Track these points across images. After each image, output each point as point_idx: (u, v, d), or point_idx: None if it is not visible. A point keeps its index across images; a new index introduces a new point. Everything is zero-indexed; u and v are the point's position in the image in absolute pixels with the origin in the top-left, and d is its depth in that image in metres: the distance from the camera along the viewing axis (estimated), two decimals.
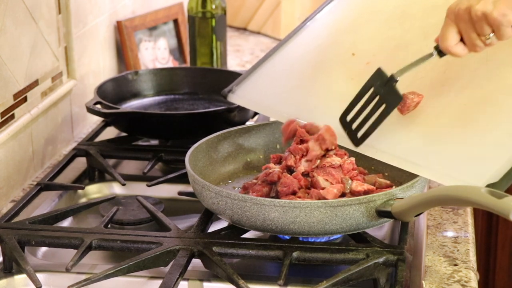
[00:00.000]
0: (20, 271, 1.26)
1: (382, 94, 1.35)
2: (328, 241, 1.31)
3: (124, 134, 1.72)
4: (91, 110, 1.65)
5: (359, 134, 1.38)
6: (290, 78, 1.57)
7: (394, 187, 1.35)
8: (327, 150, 1.36)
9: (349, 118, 1.39)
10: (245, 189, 1.38)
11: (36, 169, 1.66)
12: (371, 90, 1.36)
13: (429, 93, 1.40)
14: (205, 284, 1.26)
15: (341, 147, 1.38)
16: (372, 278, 1.21)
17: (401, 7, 1.56)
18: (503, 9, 1.23)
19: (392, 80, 1.35)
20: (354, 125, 1.38)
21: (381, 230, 1.42)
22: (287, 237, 1.29)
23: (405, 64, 1.36)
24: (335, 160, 1.35)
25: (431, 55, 1.33)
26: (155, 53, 2.20)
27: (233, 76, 1.84)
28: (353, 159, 1.37)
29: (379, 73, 1.36)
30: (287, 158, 1.37)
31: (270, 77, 1.59)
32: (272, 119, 1.57)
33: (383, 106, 1.35)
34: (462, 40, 1.29)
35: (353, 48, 1.54)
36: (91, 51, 1.93)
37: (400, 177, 1.38)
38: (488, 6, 1.23)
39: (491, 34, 1.26)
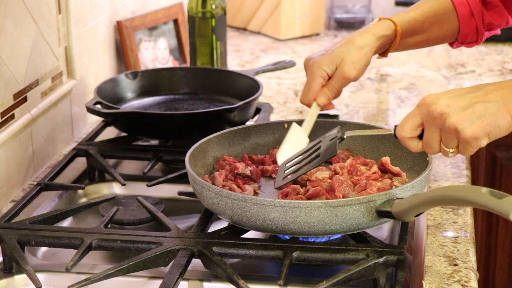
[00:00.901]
0: (20, 271, 1.26)
1: (323, 145, 1.37)
2: (328, 241, 1.31)
3: (124, 134, 1.72)
4: (91, 110, 1.65)
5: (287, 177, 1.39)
6: None
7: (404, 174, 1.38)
8: None
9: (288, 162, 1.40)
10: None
11: (36, 169, 1.66)
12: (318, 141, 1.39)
13: None
14: (205, 284, 1.26)
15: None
16: (372, 278, 1.21)
17: None
18: (478, 132, 1.15)
19: (339, 137, 1.35)
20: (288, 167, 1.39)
21: (381, 230, 1.42)
22: (287, 237, 1.29)
23: (361, 130, 1.39)
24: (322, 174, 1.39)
25: (389, 133, 1.30)
26: (155, 53, 2.20)
27: (233, 76, 1.84)
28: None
29: (333, 137, 1.37)
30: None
31: None
32: (272, 119, 1.58)
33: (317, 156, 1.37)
34: (421, 135, 1.22)
35: None
36: (91, 51, 1.93)
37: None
38: (465, 123, 1.15)
39: (454, 149, 1.19)
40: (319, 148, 1.38)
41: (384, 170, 1.42)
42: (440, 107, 1.17)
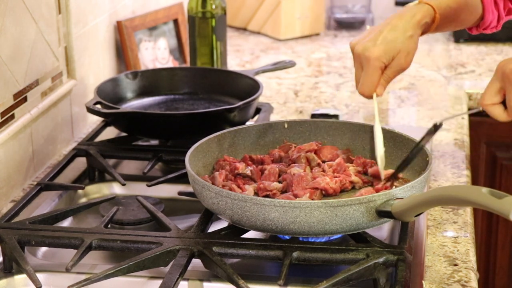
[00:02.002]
0: (20, 271, 1.26)
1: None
2: (328, 241, 1.31)
3: (124, 134, 1.72)
4: (91, 110, 1.65)
5: None
6: None
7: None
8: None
9: None
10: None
11: (36, 169, 1.66)
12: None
13: None
14: (205, 284, 1.26)
15: None
16: (372, 278, 1.21)
17: None
18: None
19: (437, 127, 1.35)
20: None
21: (381, 230, 1.42)
22: (287, 237, 1.29)
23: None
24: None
25: (479, 110, 1.29)
26: (155, 53, 2.20)
27: (233, 76, 1.84)
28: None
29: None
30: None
31: None
32: (272, 119, 1.58)
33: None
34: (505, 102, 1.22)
35: None
36: (91, 51, 1.93)
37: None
38: None
39: None
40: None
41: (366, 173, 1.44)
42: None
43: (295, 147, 1.50)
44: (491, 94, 1.22)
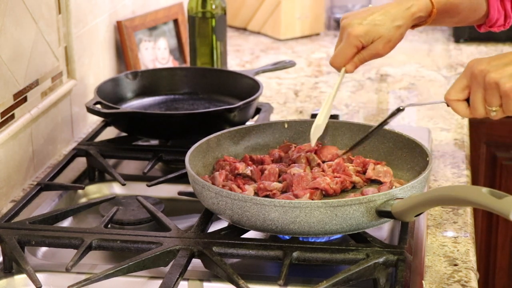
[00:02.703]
0: (20, 271, 1.26)
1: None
2: (328, 241, 1.31)
3: (124, 134, 1.72)
4: (91, 110, 1.65)
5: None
6: None
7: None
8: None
9: None
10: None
11: (36, 169, 1.66)
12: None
13: None
14: (205, 284, 1.26)
15: None
16: (372, 278, 1.21)
17: None
18: None
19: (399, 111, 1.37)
20: None
21: (381, 230, 1.42)
22: (287, 237, 1.29)
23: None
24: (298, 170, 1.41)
25: (442, 102, 1.32)
26: (155, 53, 2.20)
27: (233, 76, 1.84)
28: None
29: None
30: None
31: None
32: (272, 119, 1.58)
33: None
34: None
35: None
36: (91, 51, 1.93)
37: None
38: (504, 78, 1.19)
39: (497, 107, 1.22)
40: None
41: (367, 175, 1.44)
42: (481, 65, 1.22)
43: (295, 147, 1.50)
44: (457, 90, 1.27)
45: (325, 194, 1.36)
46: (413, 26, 1.52)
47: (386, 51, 1.46)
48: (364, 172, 1.44)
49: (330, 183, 1.35)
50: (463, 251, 1.34)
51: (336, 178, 1.38)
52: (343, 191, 1.39)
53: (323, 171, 1.42)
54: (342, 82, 2.20)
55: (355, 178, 1.40)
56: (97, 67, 1.96)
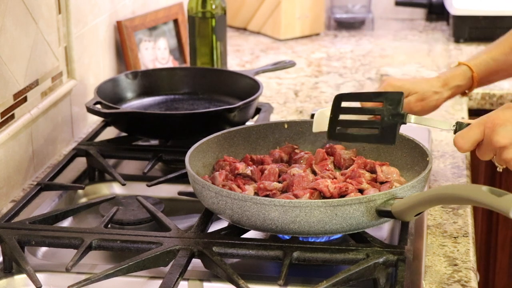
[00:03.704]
0: (20, 271, 1.26)
1: (383, 121, 1.38)
2: (328, 241, 1.31)
3: (124, 134, 1.72)
4: (91, 110, 1.65)
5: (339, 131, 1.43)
6: None
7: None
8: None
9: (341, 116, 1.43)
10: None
11: (36, 169, 1.66)
12: (378, 104, 1.39)
13: None
14: (205, 284, 1.26)
15: None
16: (372, 278, 1.21)
17: None
18: None
19: (401, 117, 1.37)
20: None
21: (381, 230, 1.42)
22: (287, 237, 1.29)
23: (425, 117, 1.42)
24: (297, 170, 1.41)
25: (450, 128, 1.35)
26: (155, 53, 2.20)
27: (233, 76, 1.84)
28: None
29: (397, 98, 1.38)
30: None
31: None
32: (272, 119, 1.58)
33: (374, 132, 1.39)
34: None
35: None
36: (91, 51, 1.93)
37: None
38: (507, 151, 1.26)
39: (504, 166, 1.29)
40: (378, 118, 1.40)
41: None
42: (502, 140, 1.26)
43: (297, 149, 1.50)
44: (473, 144, 1.31)
45: (323, 196, 1.35)
46: (464, 93, 1.59)
47: (417, 108, 1.52)
48: (371, 172, 1.42)
49: (329, 186, 1.35)
50: (463, 251, 1.34)
51: (335, 184, 1.36)
52: (343, 196, 1.37)
53: (335, 178, 1.40)
54: (343, 82, 2.20)
55: (364, 185, 1.38)
56: (97, 67, 1.96)
